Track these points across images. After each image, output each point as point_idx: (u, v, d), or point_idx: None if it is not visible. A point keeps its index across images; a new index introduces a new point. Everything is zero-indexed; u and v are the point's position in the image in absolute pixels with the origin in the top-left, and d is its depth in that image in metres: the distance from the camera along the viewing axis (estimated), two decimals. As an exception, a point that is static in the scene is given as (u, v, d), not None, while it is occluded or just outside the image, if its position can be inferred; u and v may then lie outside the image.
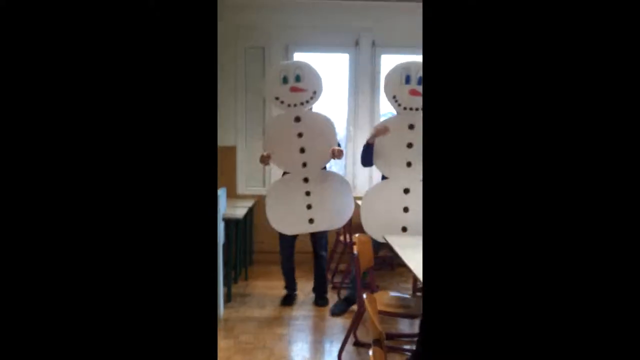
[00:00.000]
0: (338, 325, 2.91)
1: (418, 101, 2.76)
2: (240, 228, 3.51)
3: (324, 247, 3.27)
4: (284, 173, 3.07)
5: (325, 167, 3.03)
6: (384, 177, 2.94)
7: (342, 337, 2.54)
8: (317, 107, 3.10)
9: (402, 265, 2.15)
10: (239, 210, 3.46)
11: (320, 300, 3.25)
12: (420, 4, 3.43)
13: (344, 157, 3.37)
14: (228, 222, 3.13)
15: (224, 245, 3.08)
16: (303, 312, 3.15)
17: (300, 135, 2.91)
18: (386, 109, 4.47)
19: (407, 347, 2.63)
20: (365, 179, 4.35)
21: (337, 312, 3.01)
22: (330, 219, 3.03)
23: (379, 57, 4.28)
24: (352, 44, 4.25)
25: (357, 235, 2.55)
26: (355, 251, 2.38)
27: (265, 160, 2.95)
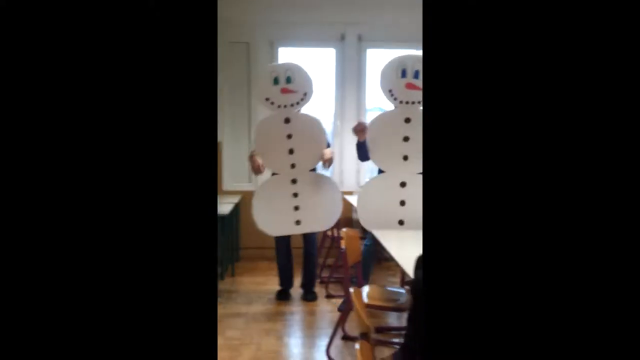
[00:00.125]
0: (327, 320, 2.91)
1: (414, 95, 2.76)
2: (227, 224, 3.49)
3: (313, 245, 3.29)
4: (273, 173, 3.07)
5: (315, 169, 3.02)
6: (380, 171, 2.94)
7: (330, 332, 2.54)
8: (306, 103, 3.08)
9: (390, 259, 2.15)
10: (225, 207, 3.44)
11: (308, 295, 3.26)
12: None
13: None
14: (214, 218, 3.11)
15: (211, 242, 3.06)
16: (291, 307, 3.14)
17: (289, 136, 2.90)
18: (373, 103, 4.47)
19: (395, 340, 2.63)
20: (352, 173, 4.35)
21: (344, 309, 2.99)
22: (317, 221, 3.03)
23: (365, 51, 4.28)
24: (338, 39, 4.23)
25: (344, 229, 2.55)
26: (342, 246, 2.38)
27: (257, 170, 2.95)
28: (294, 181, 2.96)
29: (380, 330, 2.76)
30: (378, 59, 4.37)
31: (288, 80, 2.84)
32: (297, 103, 2.88)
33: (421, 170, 2.82)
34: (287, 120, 2.89)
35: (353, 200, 3.67)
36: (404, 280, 3.30)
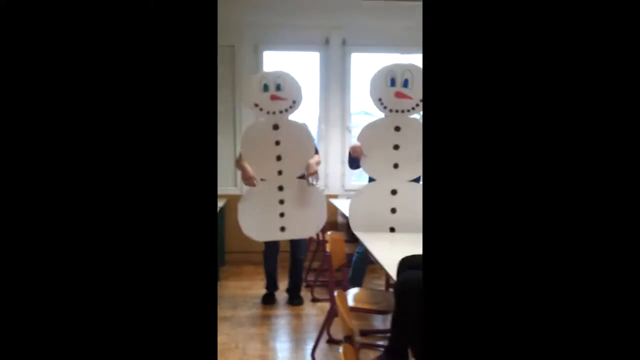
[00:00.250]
0: (312, 324, 2.91)
1: (404, 103, 2.78)
2: (212, 228, 3.47)
3: (303, 251, 3.30)
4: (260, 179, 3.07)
5: (303, 176, 3.01)
6: (371, 179, 2.95)
7: (316, 336, 2.54)
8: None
9: (375, 262, 2.16)
10: (210, 211, 3.42)
11: (294, 299, 3.25)
12: (390, 3, 3.46)
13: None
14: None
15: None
16: (277, 311, 3.14)
17: (277, 143, 2.92)
18: (358, 107, 4.50)
19: (380, 342, 2.64)
20: (337, 177, 4.37)
21: None
22: (302, 228, 3.05)
23: (350, 55, 4.30)
24: (323, 43, 4.25)
25: (329, 233, 2.56)
26: (328, 249, 2.39)
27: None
28: (280, 188, 2.97)
29: (365, 333, 2.77)
30: (363, 63, 4.40)
31: (278, 87, 2.87)
32: (286, 110, 2.90)
33: (411, 178, 2.84)
34: (275, 127, 2.90)
35: (337, 203, 3.68)
36: (388, 283, 3.32)
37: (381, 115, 2.82)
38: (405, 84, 2.76)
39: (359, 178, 4.40)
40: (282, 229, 3.00)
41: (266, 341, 2.67)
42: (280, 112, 2.89)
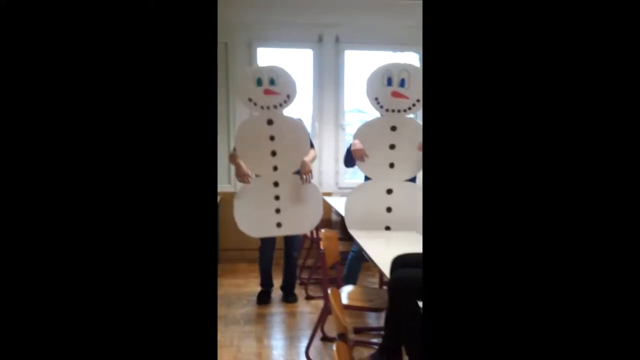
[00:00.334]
0: (306, 321, 2.92)
1: (400, 103, 2.77)
2: (206, 226, 3.46)
3: (297, 248, 3.29)
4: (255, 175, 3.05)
5: (298, 172, 2.98)
6: (367, 178, 2.95)
7: (310, 333, 2.55)
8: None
9: (368, 260, 2.17)
10: (204, 208, 3.41)
11: (289, 297, 3.26)
12: (384, 1, 3.45)
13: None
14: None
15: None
16: (271, 309, 3.14)
17: (272, 138, 2.88)
18: (351, 105, 4.50)
19: (374, 340, 2.66)
20: (331, 175, 4.37)
21: None
22: (298, 224, 3.02)
23: (343, 52, 4.30)
24: (316, 40, 4.25)
25: (323, 230, 2.56)
26: (321, 247, 2.39)
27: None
28: (276, 184, 2.95)
29: (359, 330, 2.78)
30: (356, 61, 4.40)
31: (271, 82, 2.83)
32: (280, 105, 2.86)
33: (407, 178, 2.84)
34: (269, 122, 2.87)
35: (331, 201, 3.69)
36: (382, 280, 3.34)
37: (375, 112, 2.82)
38: (402, 83, 2.76)
39: (353, 176, 4.41)
40: (279, 225, 2.98)
41: (260, 339, 2.67)
42: (275, 106, 2.86)
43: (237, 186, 3.42)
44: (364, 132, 2.85)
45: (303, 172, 2.91)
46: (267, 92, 2.84)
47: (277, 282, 3.38)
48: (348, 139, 4.39)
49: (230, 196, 3.07)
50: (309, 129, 4.27)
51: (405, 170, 2.82)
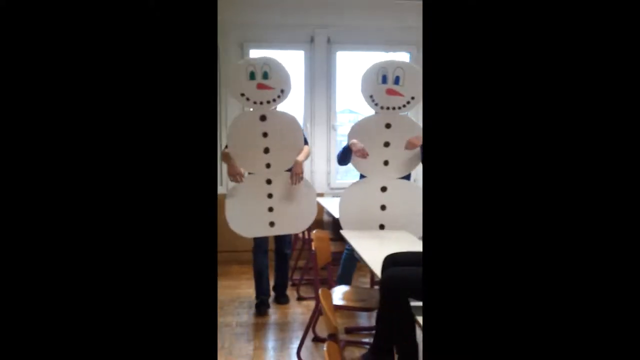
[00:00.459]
0: (298, 322, 2.91)
1: (395, 100, 2.76)
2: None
3: (288, 246, 3.21)
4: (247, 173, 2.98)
5: (290, 169, 2.91)
6: (362, 176, 2.94)
7: (302, 334, 2.54)
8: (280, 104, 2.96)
9: (359, 259, 2.17)
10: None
11: (281, 298, 3.24)
12: (374, 1, 3.43)
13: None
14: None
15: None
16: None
17: (265, 134, 2.79)
18: (343, 105, 4.50)
19: (365, 340, 2.65)
20: (323, 175, 4.37)
21: None
22: (291, 223, 2.95)
23: (335, 53, 4.30)
24: (308, 41, 4.25)
25: (314, 231, 2.56)
26: (313, 248, 2.39)
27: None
28: (268, 181, 2.87)
29: (350, 330, 2.78)
30: (348, 62, 4.41)
31: (265, 75, 2.72)
32: (274, 100, 2.76)
33: (402, 175, 2.84)
34: (262, 118, 2.77)
35: (323, 202, 3.68)
36: (373, 280, 3.33)
37: (365, 113, 2.83)
38: (397, 81, 2.75)
39: (344, 176, 4.41)
40: (272, 224, 2.90)
41: (252, 340, 2.66)
42: (268, 102, 2.76)
43: (228, 187, 3.40)
44: (358, 129, 2.84)
45: (294, 172, 2.85)
46: (260, 86, 2.73)
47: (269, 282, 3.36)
48: (340, 139, 4.40)
49: (222, 198, 3.05)
50: (300, 129, 4.27)
51: (400, 167, 2.81)
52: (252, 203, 2.87)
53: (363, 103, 2.89)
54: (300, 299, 3.31)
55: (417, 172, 2.96)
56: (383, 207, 2.83)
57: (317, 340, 2.60)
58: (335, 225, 3.44)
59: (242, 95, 2.75)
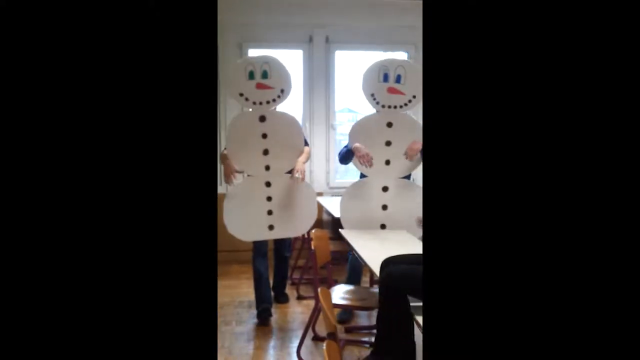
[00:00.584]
0: (298, 322, 2.91)
1: (396, 99, 2.73)
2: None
3: (288, 249, 3.17)
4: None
5: (290, 171, 2.84)
6: (362, 176, 2.90)
7: (301, 333, 2.54)
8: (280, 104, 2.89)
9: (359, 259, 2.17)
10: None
11: (280, 297, 3.24)
12: (372, 1, 3.39)
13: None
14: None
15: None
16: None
17: (264, 136, 2.71)
18: (342, 105, 4.51)
19: (365, 339, 2.66)
20: (322, 174, 4.37)
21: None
22: (291, 227, 2.88)
23: (333, 53, 4.31)
24: (306, 40, 4.25)
25: (314, 230, 2.56)
26: (312, 247, 2.39)
27: (228, 177, 2.75)
28: (268, 184, 2.79)
29: (349, 330, 2.78)
30: (347, 61, 4.41)
31: (264, 75, 2.64)
32: (274, 100, 2.69)
33: (403, 175, 2.81)
34: (262, 119, 2.70)
35: (322, 201, 3.69)
36: (372, 279, 3.34)
37: (364, 111, 2.81)
38: (398, 79, 2.71)
39: (344, 175, 4.41)
40: (271, 227, 2.82)
41: (252, 340, 2.67)
42: (267, 102, 2.68)
43: (227, 187, 3.39)
44: (359, 129, 2.80)
45: (296, 170, 2.76)
46: (259, 85, 2.65)
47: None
48: (339, 138, 4.40)
49: (221, 197, 3.05)
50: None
51: (402, 167, 2.79)
52: (250, 206, 2.79)
53: (362, 102, 2.86)
54: (300, 298, 3.32)
55: (416, 171, 2.96)
56: (384, 207, 2.81)
57: (316, 339, 2.61)
58: (334, 224, 3.44)
59: (241, 95, 2.68)
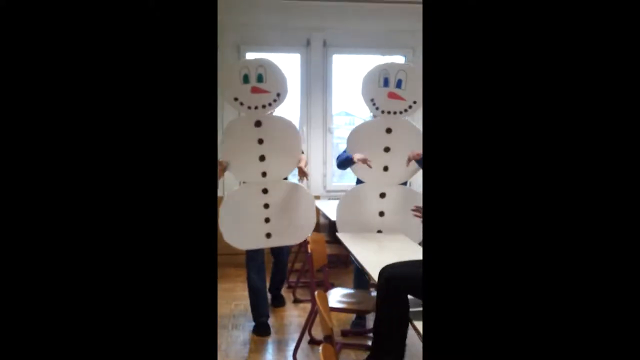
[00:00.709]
0: (294, 325, 2.91)
1: (396, 105, 2.67)
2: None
3: (286, 253, 3.14)
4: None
5: (286, 178, 2.81)
6: (359, 181, 2.87)
7: (298, 337, 2.54)
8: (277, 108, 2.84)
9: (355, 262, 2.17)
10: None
11: (276, 300, 3.23)
12: (370, 5, 3.39)
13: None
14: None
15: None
16: (259, 313, 3.12)
17: (260, 141, 2.62)
18: (339, 108, 4.51)
19: (361, 342, 2.65)
20: (319, 178, 4.37)
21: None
22: (289, 235, 2.79)
23: (331, 56, 4.31)
24: (304, 44, 4.26)
25: (310, 234, 2.56)
26: (309, 250, 2.39)
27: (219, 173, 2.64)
28: (265, 191, 2.70)
29: (346, 333, 2.78)
30: (344, 64, 4.42)
31: (259, 78, 2.55)
32: (270, 104, 2.59)
33: (401, 181, 2.78)
34: (258, 124, 2.61)
35: (319, 204, 3.68)
36: (369, 283, 3.33)
37: (362, 115, 2.81)
38: (399, 84, 2.65)
39: (341, 179, 4.42)
40: (268, 235, 2.74)
41: (248, 343, 2.66)
42: (263, 106, 2.59)
43: (223, 191, 3.38)
44: (358, 134, 2.77)
45: (300, 170, 2.70)
46: (254, 90, 2.56)
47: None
48: (336, 141, 4.40)
49: (218, 200, 3.04)
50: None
51: (400, 173, 2.75)
52: (247, 214, 2.70)
53: (359, 105, 2.85)
54: (296, 301, 3.31)
55: (414, 176, 2.94)
56: (381, 214, 2.79)
57: (313, 342, 2.60)
58: (331, 227, 3.43)
59: (236, 99, 2.58)
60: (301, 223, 2.77)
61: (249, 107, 2.60)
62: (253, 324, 2.83)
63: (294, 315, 3.08)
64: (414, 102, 2.68)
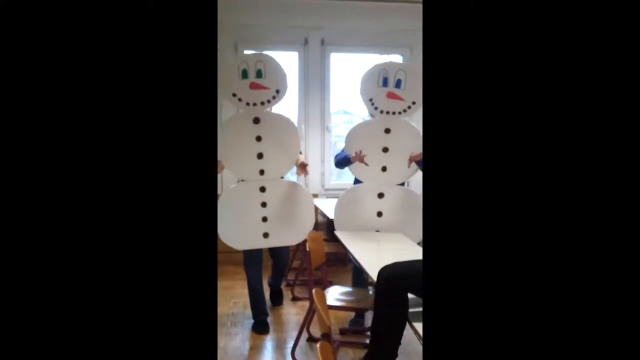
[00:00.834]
0: (292, 323, 2.92)
1: (395, 105, 2.65)
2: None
3: (285, 256, 3.11)
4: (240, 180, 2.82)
5: (283, 177, 2.79)
6: (357, 181, 2.86)
7: (296, 334, 2.55)
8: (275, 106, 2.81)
9: (353, 260, 2.18)
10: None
11: (275, 298, 3.24)
12: (368, 4, 3.37)
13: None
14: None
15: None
16: (257, 311, 3.13)
17: (258, 138, 2.59)
18: (337, 106, 4.52)
19: (359, 340, 2.67)
20: (317, 176, 4.38)
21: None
22: (287, 234, 2.75)
23: (329, 55, 4.32)
24: (302, 42, 4.26)
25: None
26: (307, 248, 2.40)
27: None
28: (262, 189, 2.67)
29: (345, 331, 2.79)
30: (342, 63, 4.42)
31: (258, 74, 2.50)
32: (268, 101, 2.56)
33: (399, 182, 2.77)
34: (256, 120, 2.58)
35: (317, 202, 3.69)
36: (367, 281, 3.34)
37: (360, 113, 2.80)
38: (398, 84, 2.63)
39: (339, 177, 4.43)
40: (266, 235, 2.71)
41: (247, 340, 2.67)
42: (262, 103, 2.55)
43: (222, 188, 3.38)
44: (356, 133, 2.75)
45: (300, 165, 2.67)
46: (253, 85, 2.52)
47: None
48: (334, 140, 4.41)
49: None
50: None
51: (398, 174, 2.74)
52: (244, 212, 2.66)
53: (357, 104, 2.85)
54: (294, 299, 3.32)
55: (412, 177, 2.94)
56: (379, 214, 2.78)
57: (311, 340, 2.61)
58: (329, 225, 3.44)
59: (234, 95, 2.54)
60: (299, 222, 2.75)
61: (248, 104, 2.57)
62: (252, 321, 2.85)
63: (292, 313, 3.09)
64: (413, 103, 2.66)
